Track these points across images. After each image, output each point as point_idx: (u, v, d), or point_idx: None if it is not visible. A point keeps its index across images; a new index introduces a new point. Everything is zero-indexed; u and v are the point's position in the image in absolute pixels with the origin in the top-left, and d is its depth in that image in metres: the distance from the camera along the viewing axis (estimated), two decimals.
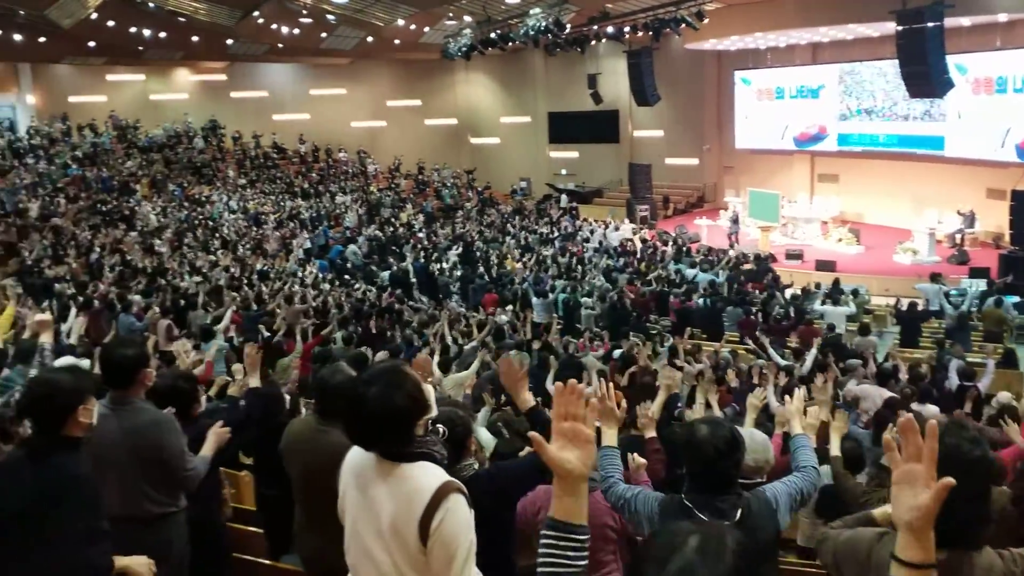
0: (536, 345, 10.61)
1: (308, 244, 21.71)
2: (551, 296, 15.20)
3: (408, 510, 2.14)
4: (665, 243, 21.30)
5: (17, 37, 22.81)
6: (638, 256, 19.97)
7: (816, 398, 4.35)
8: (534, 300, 15.23)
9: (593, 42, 24.07)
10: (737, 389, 7.79)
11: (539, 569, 1.66)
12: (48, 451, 2.72)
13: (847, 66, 22.54)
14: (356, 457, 2.33)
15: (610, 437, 3.18)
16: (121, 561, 2.88)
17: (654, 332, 13.37)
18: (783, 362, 9.22)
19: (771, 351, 9.83)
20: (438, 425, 2.75)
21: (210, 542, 3.87)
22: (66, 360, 5.19)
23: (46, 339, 3.91)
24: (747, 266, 17.77)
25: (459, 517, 2.14)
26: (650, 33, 21.41)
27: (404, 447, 2.21)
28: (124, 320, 11.61)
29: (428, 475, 2.19)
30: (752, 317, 13.21)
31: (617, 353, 10.15)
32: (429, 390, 2.31)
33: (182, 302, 13.16)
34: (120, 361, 3.31)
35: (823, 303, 13.39)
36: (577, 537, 1.64)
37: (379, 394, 2.14)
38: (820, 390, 4.43)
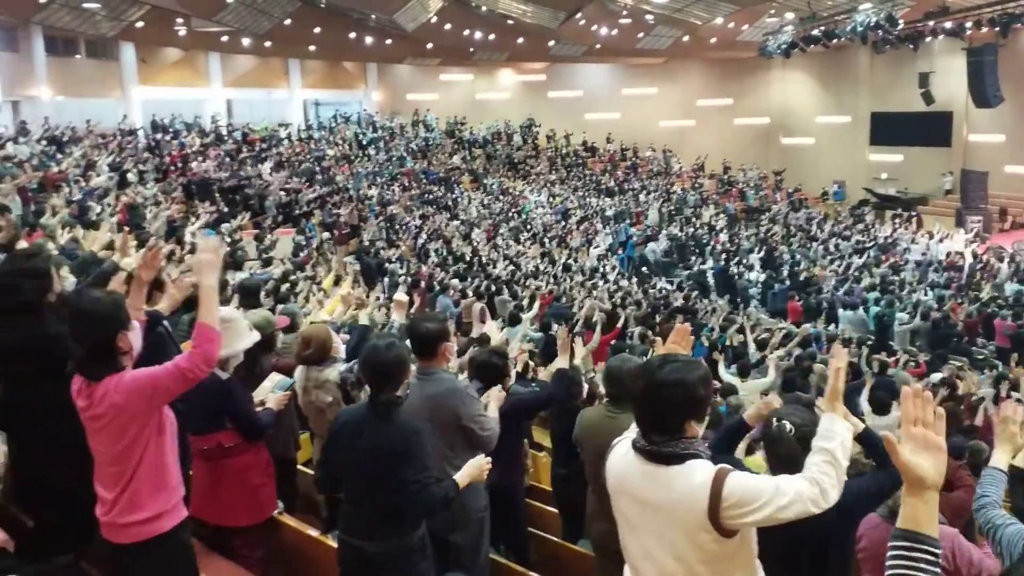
0: None
1: (609, 240, 22.24)
2: (862, 310, 14.24)
3: (695, 510, 2.12)
4: (1000, 259, 19.07)
5: (368, 40, 25.81)
6: (967, 272, 18.08)
7: None
8: (840, 312, 14.38)
9: (928, 38, 22.10)
10: None
11: None
12: (388, 413, 3.09)
13: None
14: (623, 460, 2.30)
15: (1002, 460, 2.96)
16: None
17: (980, 357, 12.09)
18: None
19: None
20: (783, 422, 2.76)
21: (511, 506, 4.18)
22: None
23: (397, 317, 4.40)
24: None
25: (743, 481, 2.10)
26: (996, 29, 19.28)
27: (676, 443, 2.17)
28: (442, 301, 12.75)
29: (698, 471, 2.15)
30: None
31: (936, 377, 9.32)
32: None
33: (492, 288, 14.12)
34: (424, 333, 3.62)
35: None
36: (929, 549, 1.58)
37: (676, 372, 2.15)
38: None
